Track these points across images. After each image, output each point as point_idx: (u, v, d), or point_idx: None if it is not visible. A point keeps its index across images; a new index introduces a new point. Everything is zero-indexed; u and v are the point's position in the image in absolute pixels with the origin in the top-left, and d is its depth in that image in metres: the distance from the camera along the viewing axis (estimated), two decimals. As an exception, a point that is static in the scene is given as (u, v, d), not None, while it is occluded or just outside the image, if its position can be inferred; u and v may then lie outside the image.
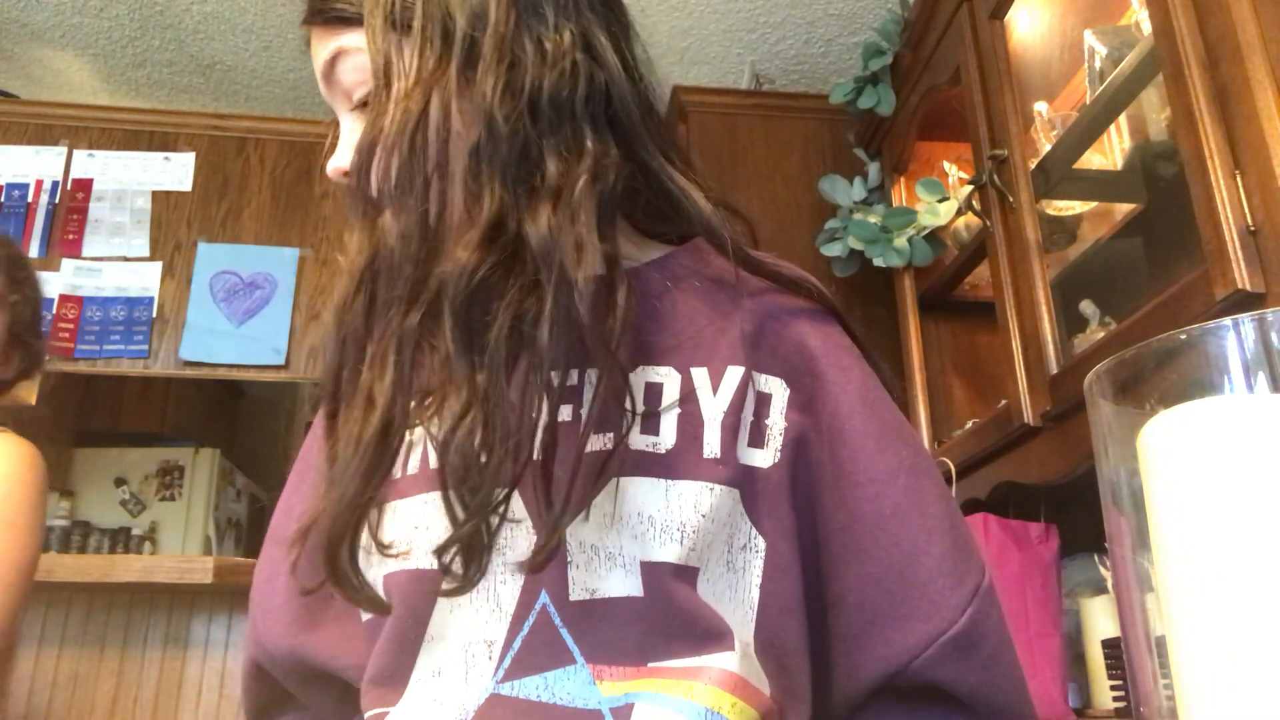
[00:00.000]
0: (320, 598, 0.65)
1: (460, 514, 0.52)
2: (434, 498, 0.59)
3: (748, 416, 0.62)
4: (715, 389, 0.62)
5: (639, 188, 0.64)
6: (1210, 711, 0.37)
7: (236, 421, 4.56)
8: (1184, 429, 0.40)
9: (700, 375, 0.62)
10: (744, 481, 0.61)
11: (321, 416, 0.65)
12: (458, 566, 0.53)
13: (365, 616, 0.63)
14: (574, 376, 0.60)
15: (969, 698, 0.60)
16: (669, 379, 0.62)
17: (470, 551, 0.52)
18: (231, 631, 2.16)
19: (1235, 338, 0.41)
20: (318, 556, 0.56)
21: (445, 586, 0.53)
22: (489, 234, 0.56)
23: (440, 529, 0.58)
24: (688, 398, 0.61)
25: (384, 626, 0.60)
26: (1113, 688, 1.46)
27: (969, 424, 1.85)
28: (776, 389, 0.64)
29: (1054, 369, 1.48)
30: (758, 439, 0.62)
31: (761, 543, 0.61)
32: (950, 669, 0.59)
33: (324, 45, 0.65)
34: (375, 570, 0.60)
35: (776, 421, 0.63)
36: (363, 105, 0.64)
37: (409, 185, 0.57)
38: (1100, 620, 1.58)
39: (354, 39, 0.63)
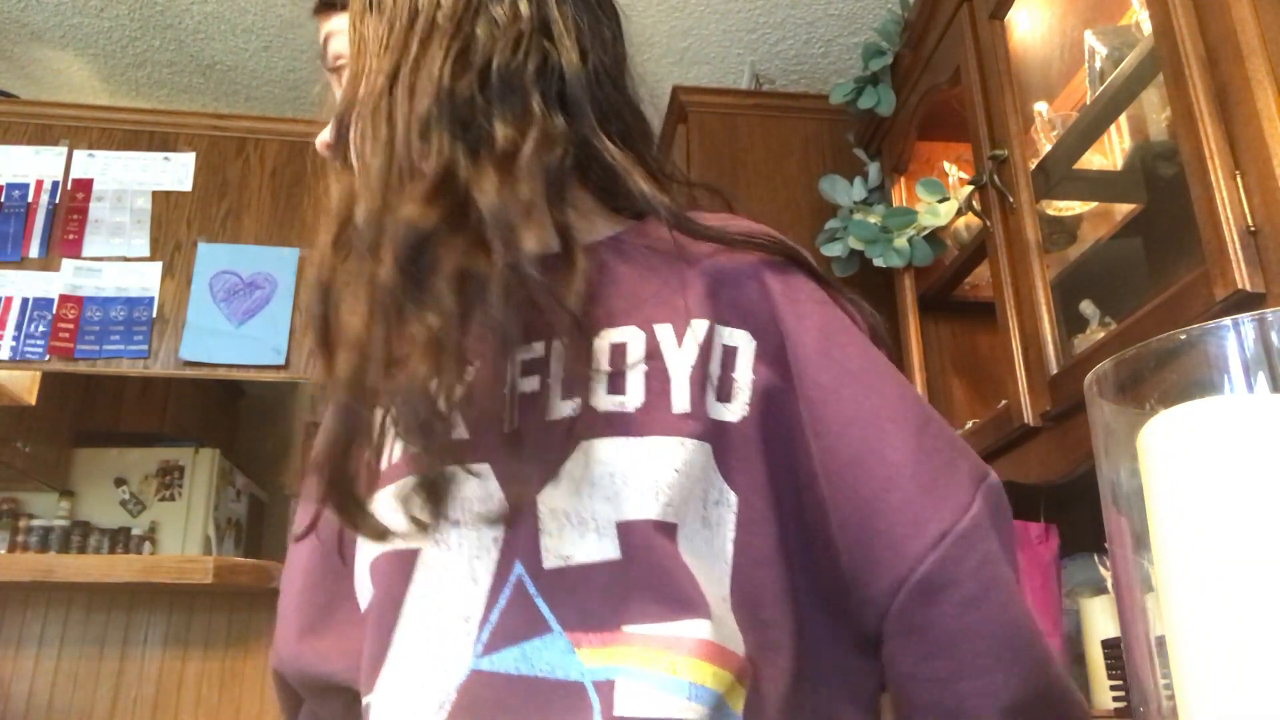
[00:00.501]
0: (327, 607, 0.66)
1: (423, 453, 0.54)
2: (411, 482, 0.60)
3: (715, 370, 0.62)
4: (680, 342, 0.62)
5: (595, 162, 0.67)
6: (1210, 711, 0.37)
7: (236, 421, 4.56)
8: (1184, 429, 0.40)
9: (664, 331, 0.62)
10: (714, 436, 0.60)
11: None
12: (419, 511, 0.55)
13: (366, 606, 0.63)
14: (540, 349, 0.62)
15: (951, 642, 0.58)
16: (632, 337, 0.62)
17: (433, 492, 0.54)
18: (231, 631, 2.16)
19: (1235, 338, 0.41)
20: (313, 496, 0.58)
21: (408, 533, 0.56)
22: (435, 189, 0.58)
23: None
24: (653, 353, 0.61)
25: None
26: (1113, 688, 1.46)
27: (969, 424, 1.85)
28: (743, 341, 0.64)
29: (1054, 369, 1.48)
30: (725, 393, 0.62)
31: (733, 497, 0.60)
32: (923, 614, 0.58)
33: (321, 30, 0.74)
34: (360, 559, 0.62)
35: (744, 374, 0.63)
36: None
37: (372, 147, 0.61)
38: (1100, 620, 1.58)
39: (340, 22, 0.71)
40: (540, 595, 0.56)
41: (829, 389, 0.62)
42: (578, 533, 0.57)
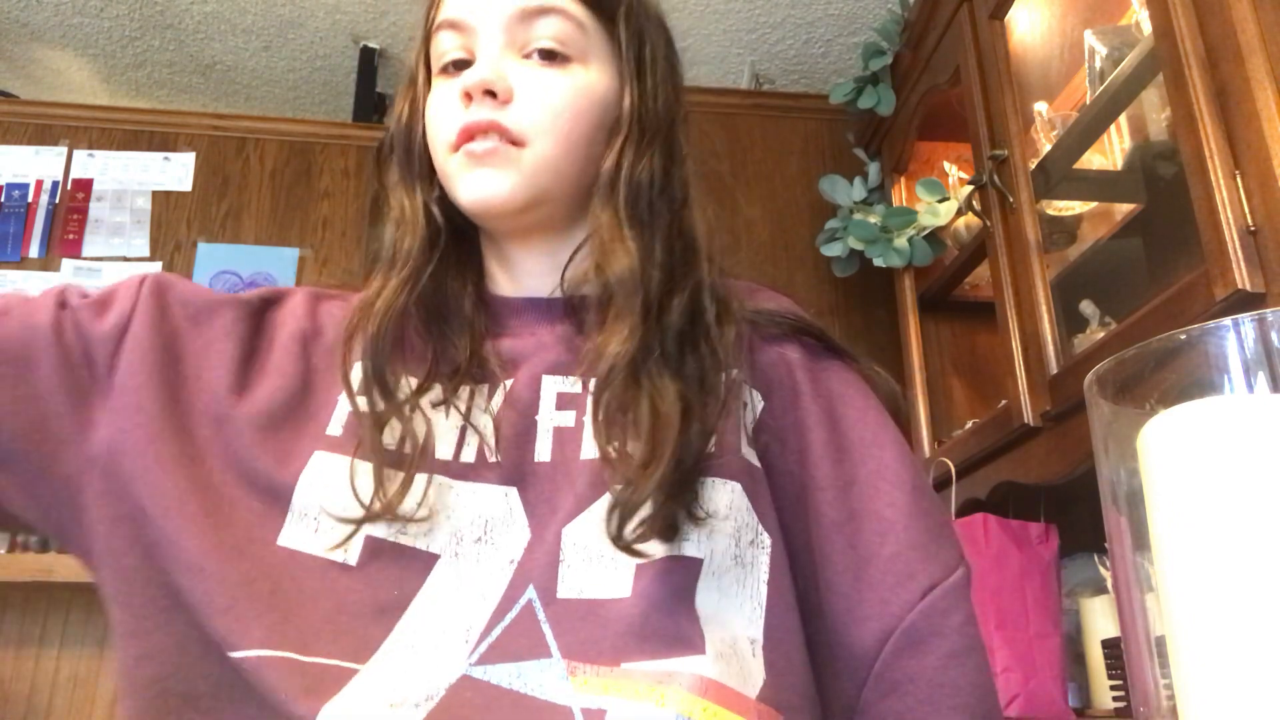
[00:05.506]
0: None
1: (661, 493, 0.56)
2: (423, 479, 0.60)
3: (739, 415, 0.64)
4: None
5: None
6: (1210, 711, 0.37)
7: (236, 421, 4.56)
8: (1184, 429, 0.40)
9: None
10: (746, 477, 0.62)
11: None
12: (641, 537, 0.56)
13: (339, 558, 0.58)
14: (576, 385, 0.64)
15: (932, 697, 0.60)
16: None
17: (660, 523, 0.56)
18: (231, 631, 2.15)
19: (1235, 338, 0.41)
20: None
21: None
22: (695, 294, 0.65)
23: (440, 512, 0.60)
24: None
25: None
26: (1113, 688, 1.46)
27: (969, 424, 1.85)
28: (753, 399, 0.67)
29: (1054, 369, 1.48)
30: (748, 439, 0.65)
31: (767, 539, 0.62)
32: (908, 665, 0.60)
33: None
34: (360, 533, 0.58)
35: (750, 428, 0.66)
36: (547, 57, 0.67)
37: (659, 211, 0.66)
38: (1100, 620, 1.58)
39: (582, 11, 0.68)
40: (548, 622, 0.56)
41: (837, 449, 0.66)
42: (596, 568, 0.57)
